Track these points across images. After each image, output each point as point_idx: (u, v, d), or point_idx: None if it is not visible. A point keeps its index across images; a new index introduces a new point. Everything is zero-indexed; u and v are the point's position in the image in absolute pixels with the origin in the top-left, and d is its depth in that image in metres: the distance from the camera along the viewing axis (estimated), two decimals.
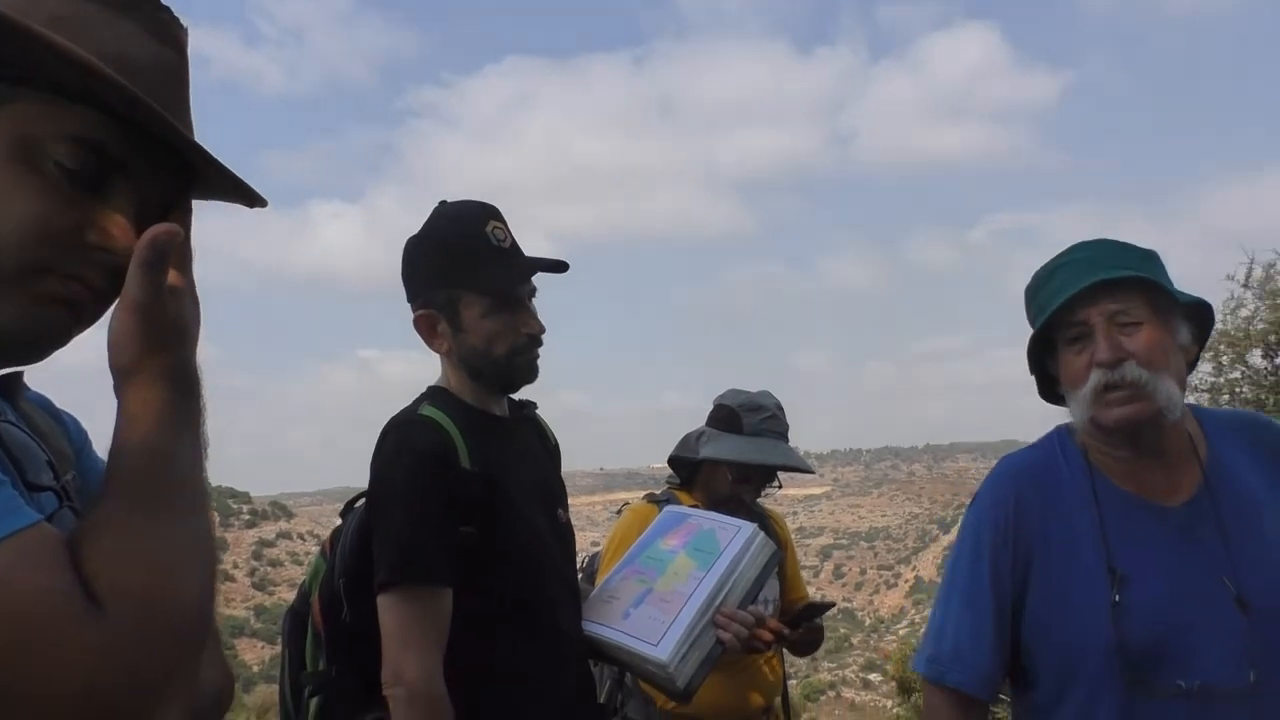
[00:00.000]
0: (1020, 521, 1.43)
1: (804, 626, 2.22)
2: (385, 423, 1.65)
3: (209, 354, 0.73)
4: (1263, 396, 7.02)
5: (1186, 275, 1.46)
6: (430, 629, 1.50)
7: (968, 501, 1.55)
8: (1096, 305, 1.37)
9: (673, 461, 2.57)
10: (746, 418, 2.42)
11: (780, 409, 2.49)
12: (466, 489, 1.56)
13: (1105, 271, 1.37)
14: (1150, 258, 1.44)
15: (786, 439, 2.48)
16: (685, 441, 2.52)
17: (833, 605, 2.43)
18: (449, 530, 1.53)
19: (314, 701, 1.64)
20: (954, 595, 1.48)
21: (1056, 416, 1.53)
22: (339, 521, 1.74)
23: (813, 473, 2.66)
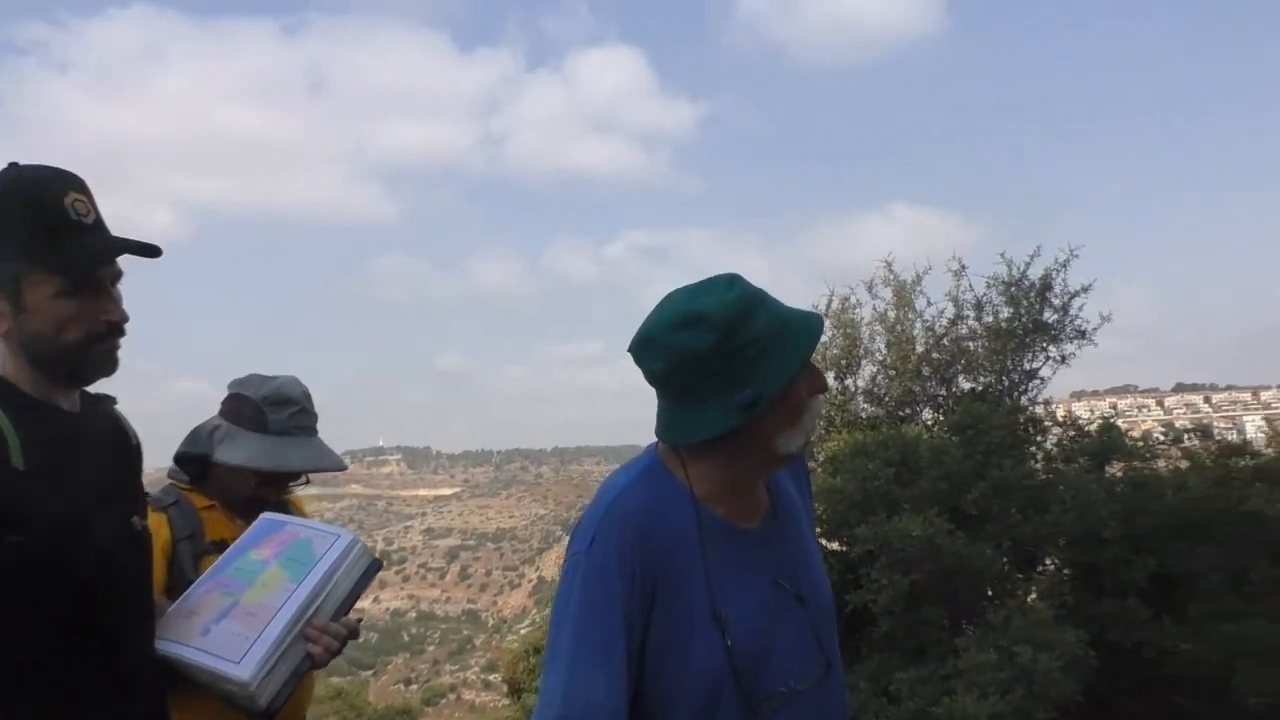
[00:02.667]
0: (645, 564, 1.39)
1: None
2: None
3: None
4: (831, 413, 8.08)
5: (790, 300, 1.58)
6: None
7: (585, 506, 1.51)
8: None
9: (181, 458, 2.19)
10: (271, 414, 2.15)
11: (308, 399, 2.23)
12: (15, 491, 1.37)
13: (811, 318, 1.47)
14: None
15: (315, 431, 2.24)
16: (196, 437, 2.18)
17: None
18: None
19: None
20: (584, 646, 1.35)
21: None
22: None
23: (344, 468, 2.36)
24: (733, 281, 1.45)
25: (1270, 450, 8.56)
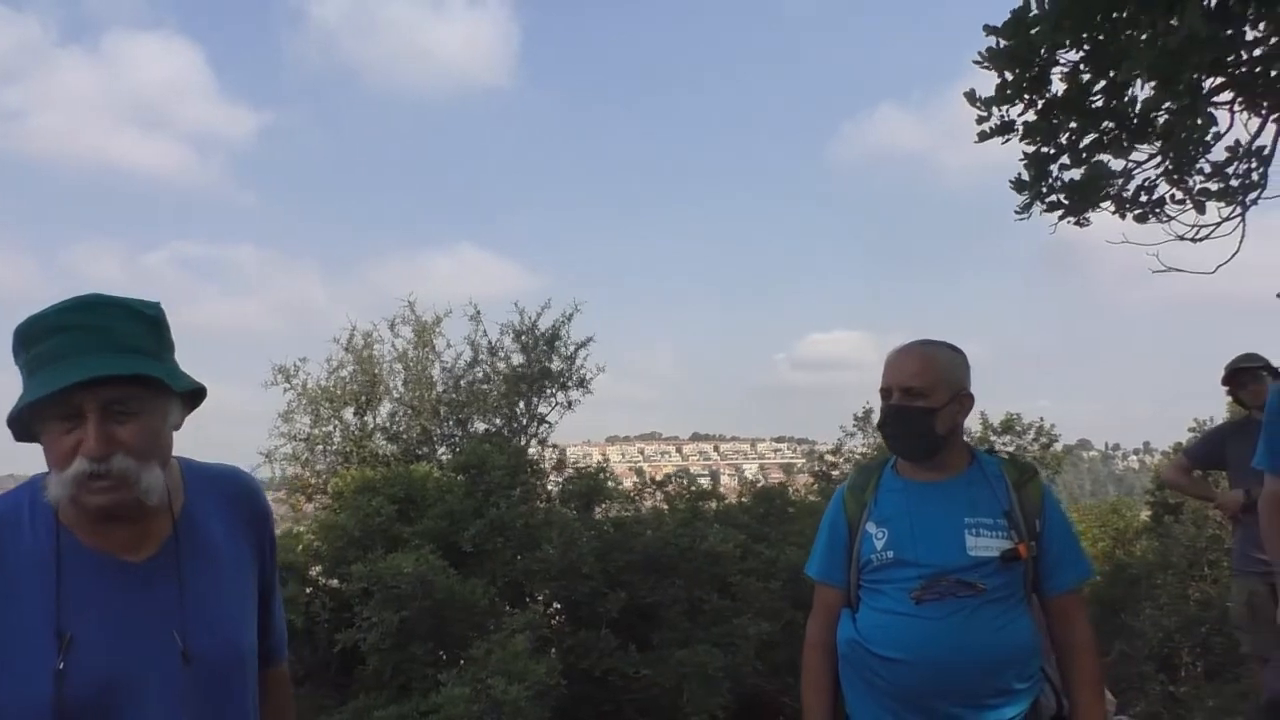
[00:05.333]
0: None
1: None
2: None
3: None
4: (349, 449, 7.97)
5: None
6: None
7: None
8: (94, 391, 1.30)
9: None
10: None
11: None
12: None
13: (110, 361, 1.31)
14: (158, 326, 1.42)
15: None
16: None
17: None
18: None
19: None
20: None
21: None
22: None
23: None
24: (69, 308, 1.37)
25: (739, 497, 9.85)
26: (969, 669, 2.19)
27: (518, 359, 8.08)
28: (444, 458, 8.32)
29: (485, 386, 8.15)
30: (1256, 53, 4.38)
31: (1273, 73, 4.47)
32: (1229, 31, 3.85)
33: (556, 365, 8.01)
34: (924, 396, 2.32)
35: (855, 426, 10.77)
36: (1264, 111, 4.70)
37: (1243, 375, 4.89)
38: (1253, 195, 4.99)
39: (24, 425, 1.38)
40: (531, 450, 8.04)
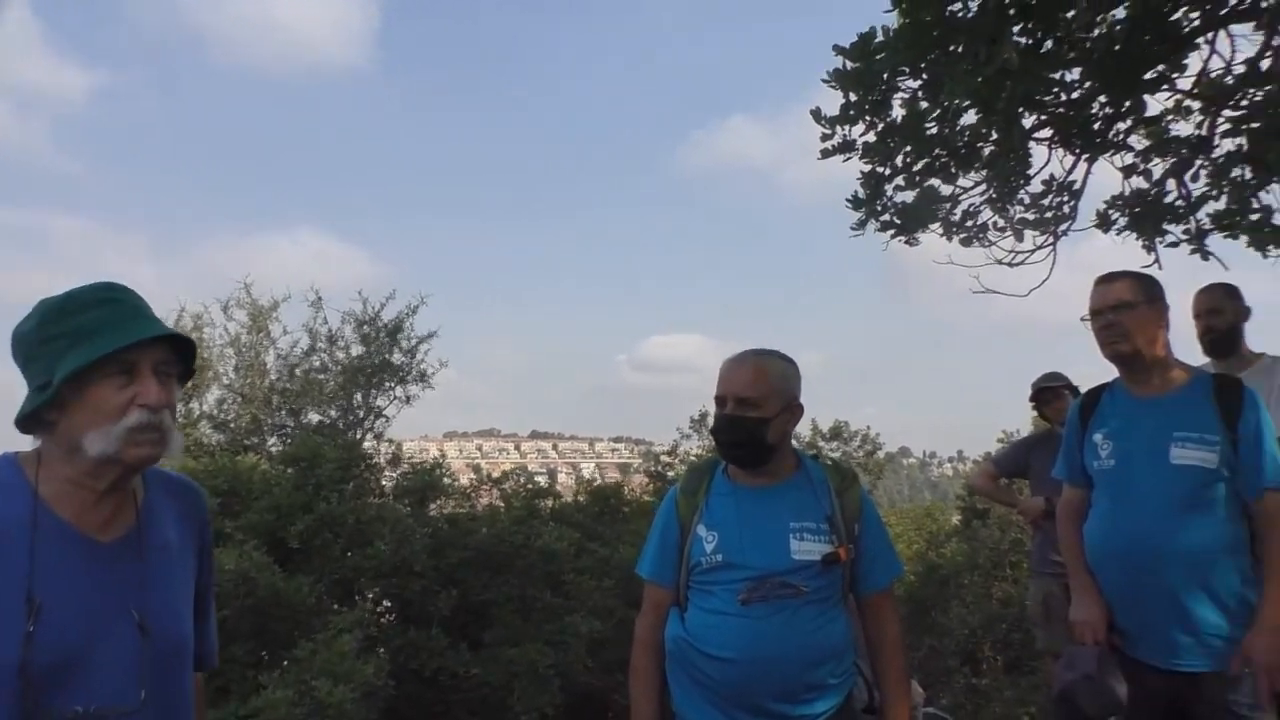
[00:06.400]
0: None
1: None
2: None
3: None
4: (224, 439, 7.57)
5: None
6: None
7: None
8: (149, 351, 1.50)
9: None
10: None
11: None
12: None
13: (162, 326, 1.53)
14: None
15: None
16: None
17: None
18: None
19: None
20: None
21: None
22: None
23: None
24: (107, 285, 1.54)
25: (576, 496, 9.87)
26: (790, 666, 2.32)
27: (357, 350, 7.85)
28: (274, 449, 8.00)
29: (322, 376, 7.88)
30: (1073, 95, 4.73)
31: (1086, 114, 4.84)
32: (1038, 67, 4.14)
33: (398, 358, 7.82)
34: (757, 407, 2.42)
35: (691, 429, 11.00)
36: (1077, 150, 5.08)
37: (1046, 393, 5.28)
38: (1064, 226, 5.39)
39: (49, 400, 1.48)
40: (367, 444, 7.83)
